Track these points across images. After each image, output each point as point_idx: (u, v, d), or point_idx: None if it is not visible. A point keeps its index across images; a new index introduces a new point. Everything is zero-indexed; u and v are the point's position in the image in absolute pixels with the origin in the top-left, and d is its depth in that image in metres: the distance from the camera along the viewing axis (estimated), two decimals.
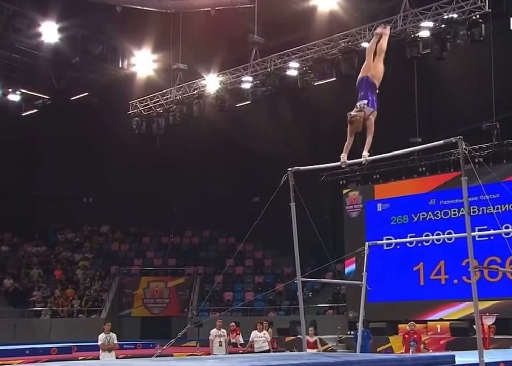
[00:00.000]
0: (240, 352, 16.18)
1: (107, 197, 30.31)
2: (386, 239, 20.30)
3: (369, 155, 8.22)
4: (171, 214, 31.34)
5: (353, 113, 8.16)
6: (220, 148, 28.40)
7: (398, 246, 22.18)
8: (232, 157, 28.80)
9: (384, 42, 8.69)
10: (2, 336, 22.53)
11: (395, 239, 19.85)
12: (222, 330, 15.57)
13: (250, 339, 16.05)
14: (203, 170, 29.06)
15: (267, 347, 15.75)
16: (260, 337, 15.86)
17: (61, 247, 31.54)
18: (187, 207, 30.77)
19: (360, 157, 8.36)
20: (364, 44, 18.27)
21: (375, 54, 8.60)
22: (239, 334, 17.62)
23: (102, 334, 13.86)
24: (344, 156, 8.28)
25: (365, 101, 8.18)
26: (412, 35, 17.58)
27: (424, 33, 17.49)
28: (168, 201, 30.83)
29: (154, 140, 24.73)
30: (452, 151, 20.78)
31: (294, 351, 17.06)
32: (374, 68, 8.45)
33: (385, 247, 21.66)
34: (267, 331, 16.74)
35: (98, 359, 13.54)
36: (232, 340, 17.37)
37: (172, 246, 31.81)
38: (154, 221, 30.56)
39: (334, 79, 19.92)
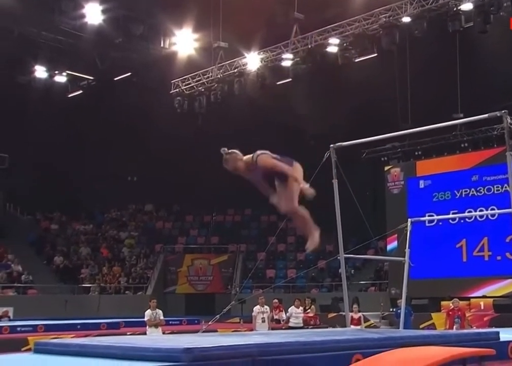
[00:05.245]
0: (283, 328, 16.25)
1: (150, 176, 30.56)
2: (428, 216, 20.06)
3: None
4: (214, 193, 31.48)
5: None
6: (261, 125, 28.30)
7: (440, 223, 21.87)
8: (273, 135, 28.68)
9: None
10: (54, 311, 23.03)
11: (437, 215, 19.62)
12: (265, 306, 15.63)
13: (288, 314, 16.20)
14: (244, 147, 28.94)
15: (302, 324, 15.93)
16: (299, 313, 15.99)
17: (107, 226, 32.03)
18: (229, 185, 30.84)
19: (398, 131, 8.18)
20: (406, 19, 17.96)
21: None
22: (282, 311, 17.69)
23: (149, 310, 14.03)
24: None
25: None
26: (454, 9, 17.18)
27: (467, 6, 17.07)
28: (210, 179, 30.86)
29: (196, 118, 24.77)
30: (495, 126, 20.35)
31: (336, 327, 17.04)
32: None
33: (427, 224, 21.36)
34: (310, 307, 16.80)
35: (145, 334, 13.71)
36: (276, 317, 17.46)
37: (215, 224, 32.01)
38: (197, 199, 30.73)
39: (375, 54, 19.63)
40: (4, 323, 17.72)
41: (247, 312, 18.34)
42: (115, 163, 29.78)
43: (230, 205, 31.87)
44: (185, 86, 22.88)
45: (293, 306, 16.25)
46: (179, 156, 29.12)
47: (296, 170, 6.96)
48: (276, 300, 17.81)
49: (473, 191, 21.83)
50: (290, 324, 15.96)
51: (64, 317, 20.71)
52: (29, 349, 11.43)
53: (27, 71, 24.46)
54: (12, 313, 21.18)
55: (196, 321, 20.42)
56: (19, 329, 16.04)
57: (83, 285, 27.77)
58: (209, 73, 22.31)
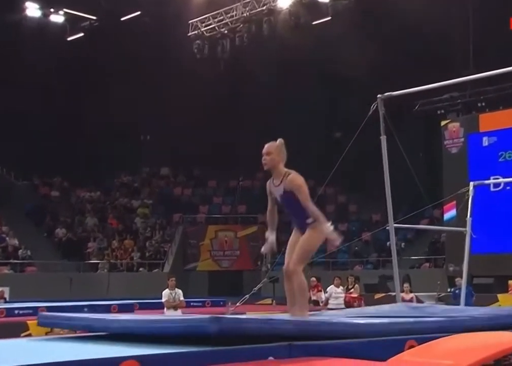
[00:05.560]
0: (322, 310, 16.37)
1: (167, 134, 30.61)
2: (494, 179, 19.86)
3: None
4: (240, 154, 31.50)
5: None
6: (295, 74, 28.12)
7: (508, 187, 21.68)
8: (309, 85, 28.52)
9: None
10: (57, 291, 23.32)
11: (504, 178, 19.44)
12: None
13: (327, 295, 16.32)
14: (275, 101, 28.91)
15: (343, 306, 16.02)
16: (339, 294, 16.11)
17: (117, 193, 32.27)
18: (257, 145, 30.81)
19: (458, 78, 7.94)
20: None
21: None
22: (321, 291, 17.74)
23: (167, 290, 14.20)
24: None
25: None
26: None
27: None
28: (236, 138, 30.87)
29: (218, 64, 24.69)
30: None
31: None
32: None
33: (492, 189, 21.19)
34: (353, 287, 16.87)
35: None
36: (313, 298, 17.52)
37: (242, 191, 32.10)
38: (221, 162, 30.74)
39: None
40: (0, 305, 18.05)
41: (279, 293, 18.42)
42: (124, 119, 29.84)
43: (259, 168, 31.69)
44: (205, 27, 22.80)
45: (332, 285, 16.36)
46: (199, 111, 29.08)
47: (327, 226, 6.59)
48: (313, 278, 17.86)
49: None
50: (330, 306, 16.07)
51: (69, 298, 21.05)
52: (29, 335, 11.67)
53: (16, 9, 24.28)
54: (8, 294, 21.51)
55: (221, 302, 20.60)
56: (16, 312, 16.29)
57: (90, 261, 28.15)
58: (232, 12, 22.19)
